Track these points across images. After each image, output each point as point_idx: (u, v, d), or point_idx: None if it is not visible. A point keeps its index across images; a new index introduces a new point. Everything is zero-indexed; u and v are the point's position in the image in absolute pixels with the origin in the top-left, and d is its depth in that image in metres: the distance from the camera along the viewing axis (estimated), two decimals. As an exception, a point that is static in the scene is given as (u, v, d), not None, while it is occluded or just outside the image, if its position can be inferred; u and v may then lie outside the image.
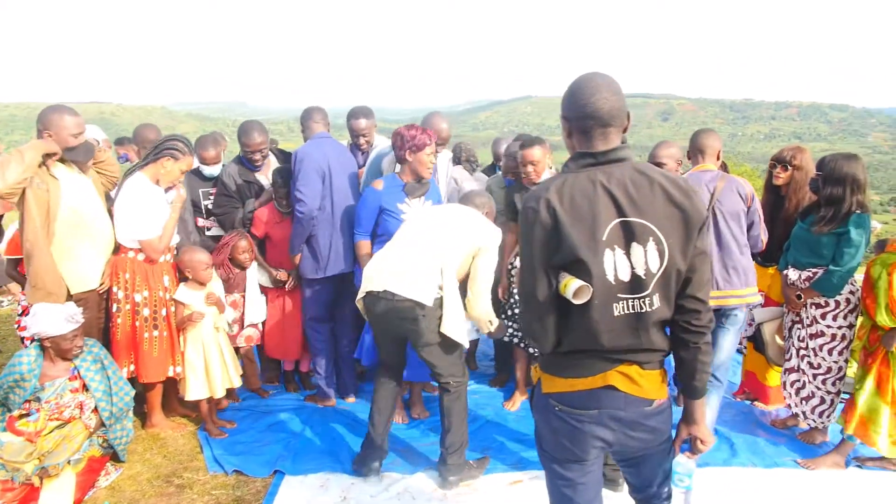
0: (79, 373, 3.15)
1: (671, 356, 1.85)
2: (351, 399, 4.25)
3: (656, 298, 1.69)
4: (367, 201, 3.57)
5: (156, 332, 3.57)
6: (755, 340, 3.99)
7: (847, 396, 3.53)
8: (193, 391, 3.66)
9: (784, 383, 3.72)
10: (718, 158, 3.51)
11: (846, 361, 3.50)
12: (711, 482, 3.23)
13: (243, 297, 4.10)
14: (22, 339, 4.06)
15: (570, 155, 1.78)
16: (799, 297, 3.51)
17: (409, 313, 2.97)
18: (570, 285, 1.64)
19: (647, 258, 1.66)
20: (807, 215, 3.51)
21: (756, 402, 4.25)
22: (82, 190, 3.39)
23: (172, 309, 3.62)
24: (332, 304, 4.11)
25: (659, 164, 3.70)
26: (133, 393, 3.38)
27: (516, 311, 3.94)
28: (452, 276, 3.05)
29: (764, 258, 3.94)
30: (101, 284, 3.48)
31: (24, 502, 2.91)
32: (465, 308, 3.15)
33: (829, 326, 3.46)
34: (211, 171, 4.17)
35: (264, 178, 4.18)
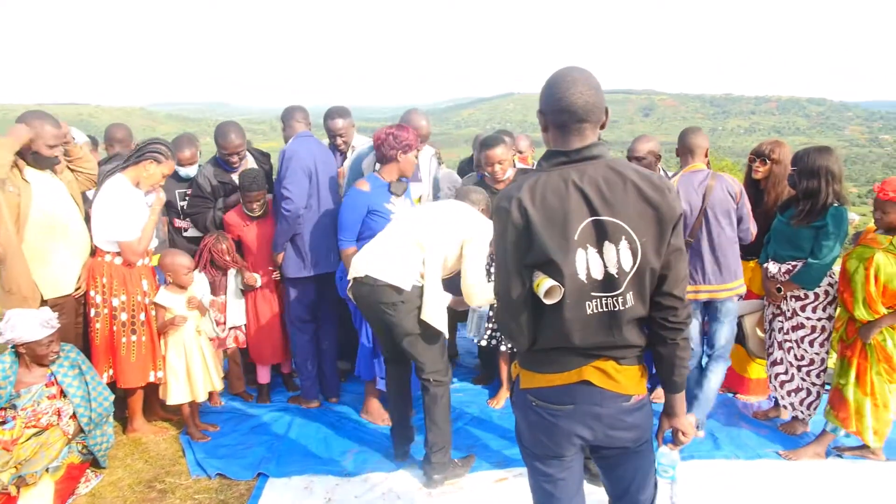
0: (56, 379, 3.10)
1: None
2: (334, 400, 4.23)
3: (630, 297, 1.69)
4: (354, 203, 3.49)
5: (134, 337, 3.52)
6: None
7: (828, 388, 3.58)
8: (175, 395, 3.60)
9: (770, 376, 3.76)
10: (706, 156, 3.55)
11: (827, 353, 3.55)
12: (696, 475, 3.25)
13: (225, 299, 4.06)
14: None
15: (544, 152, 1.77)
16: (779, 289, 3.54)
17: (388, 297, 3.02)
18: (542, 285, 1.64)
19: (620, 257, 1.66)
20: (786, 209, 3.55)
21: (738, 395, 4.29)
22: (55, 193, 3.33)
23: (153, 313, 3.57)
24: (316, 304, 4.09)
25: (638, 159, 3.71)
26: (112, 398, 3.33)
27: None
28: (435, 265, 3.07)
29: (745, 251, 3.97)
30: (77, 289, 3.42)
31: (1, 512, 2.86)
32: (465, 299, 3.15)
33: (808, 318, 3.51)
34: (187, 171, 4.12)
35: None
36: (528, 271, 1.71)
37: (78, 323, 3.53)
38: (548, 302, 1.65)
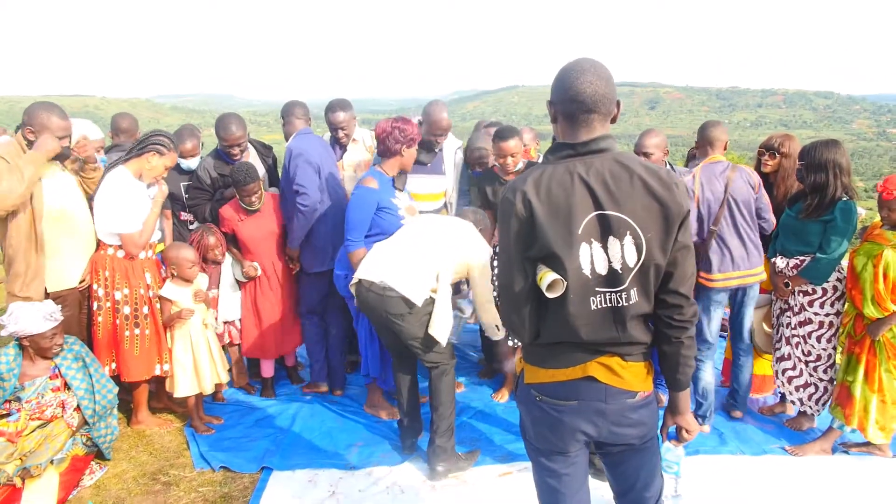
0: (60, 371, 3.10)
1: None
2: (339, 392, 4.22)
3: (634, 293, 1.67)
4: (363, 202, 3.41)
5: (137, 331, 3.51)
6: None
7: (834, 383, 3.56)
8: (182, 388, 3.61)
9: (776, 372, 3.74)
10: (725, 149, 3.62)
11: (834, 349, 3.52)
12: (701, 470, 3.24)
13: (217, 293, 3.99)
14: None
15: (551, 145, 1.75)
16: (787, 284, 3.52)
17: (397, 308, 3.03)
18: (545, 278, 1.63)
19: (624, 252, 1.64)
20: (794, 203, 3.51)
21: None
22: (65, 187, 3.34)
23: (157, 306, 3.56)
24: (326, 296, 4.12)
25: (645, 155, 3.69)
26: (116, 390, 3.33)
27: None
28: (448, 282, 3.15)
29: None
30: (81, 282, 3.42)
31: (6, 503, 2.86)
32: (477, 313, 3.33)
33: (816, 314, 3.48)
34: (189, 163, 4.10)
35: None
36: (532, 264, 1.70)
37: (82, 316, 3.52)
38: (550, 296, 1.64)
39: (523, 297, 1.72)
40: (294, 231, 3.88)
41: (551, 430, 1.80)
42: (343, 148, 4.18)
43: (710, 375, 3.68)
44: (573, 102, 1.64)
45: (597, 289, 1.66)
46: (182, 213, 4.20)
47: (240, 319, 4.10)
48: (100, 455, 3.31)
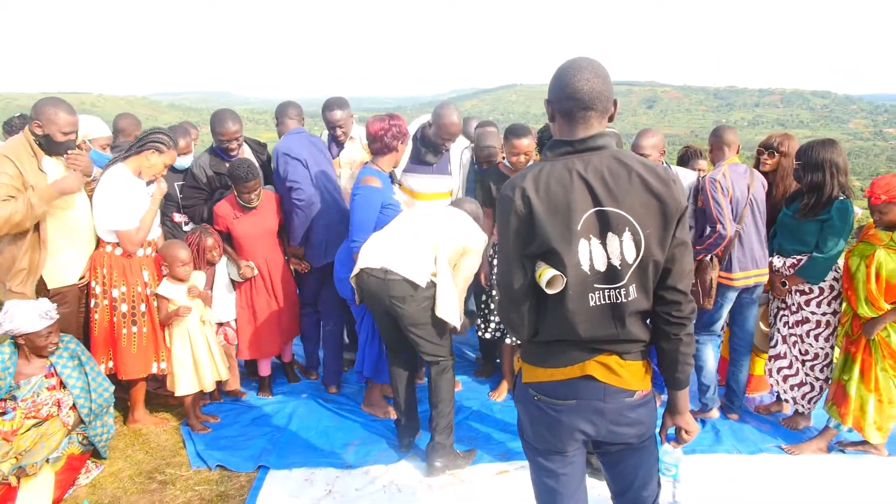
0: (55, 370, 3.09)
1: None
2: (333, 390, 4.22)
3: (633, 289, 1.67)
4: (370, 201, 3.39)
5: (134, 329, 3.49)
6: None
7: (830, 382, 3.56)
8: (183, 386, 3.59)
9: (770, 370, 3.74)
10: (737, 152, 3.70)
11: (832, 348, 3.53)
12: (697, 469, 3.24)
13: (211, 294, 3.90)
14: None
15: (549, 142, 1.76)
16: (784, 283, 3.52)
17: (400, 291, 3.06)
18: (545, 275, 1.63)
19: (623, 248, 1.64)
20: (791, 202, 3.52)
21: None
22: None
23: (155, 304, 3.55)
24: (320, 290, 4.18)
25: (642, 155, 3.70)
26: (112, 388, 3.32)
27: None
28: (447, 264, 3.15)
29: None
30: (81, 278, 3.42)
31: (1, 503, 2.85)
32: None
33: (813, 313, 3.48)
34: (182, 161, 4.04)
35: None
36: (531, 261, 1.70)
37: (80, 313, 3.51)
38: (550, 292, 1.64)
39: (522, 294, 1.72)
40: (295, 228, 3.90)
41: (549, 430, 1.80)
42: (340, 146, 4.18)
43: (712, 360, 3.76)
44: (570, 100, 1.65)
45: (596, 285, 1.66)
46: (175, 215, 4.07)
47: (235, 320, 4.04)
48: (96, 454, 3.30)
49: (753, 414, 3.94)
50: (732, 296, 3.66)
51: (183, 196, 4.04)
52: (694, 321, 1.78)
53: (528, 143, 3.67)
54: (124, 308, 3.47)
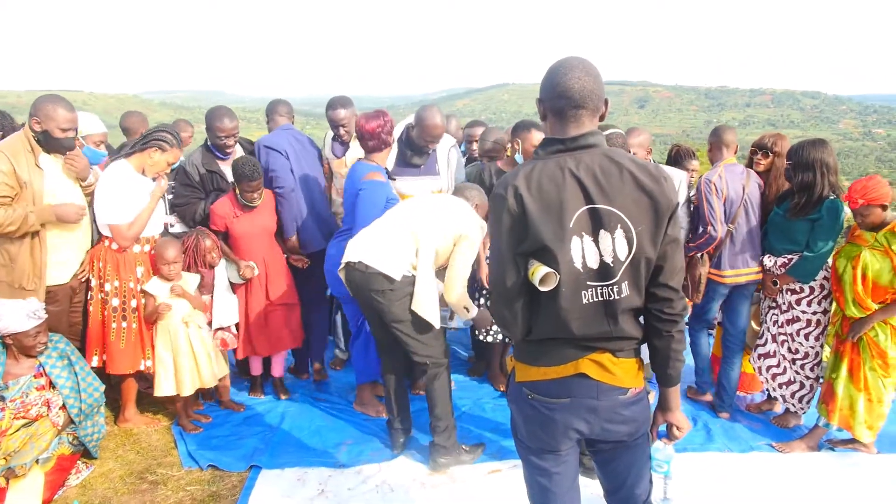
0: (44, 370, 3.06)
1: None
2: (318, 366, 4.37)
3: (625, 286, 1.68)
4: (378, 197, 3.38)
5: (124, 324, 3.48)
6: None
7: (821, 381, 3.58)
8: (161, 387, 3.55)
9: (759, 369, 3.76)
10: (735, 152, 3.78)
11: (822, 346, 3.55)
12: (688, 467, 3.25)
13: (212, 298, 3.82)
14: None
15: (541, 140, 1.76)
16: (775, 283, 3.54)
17: (378, 285, 3.04)
18: (538, 272, 1.64)
19: (615, 245, 1.65)
20: (782, 202, 3.55)
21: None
22: (66, 182, 3.32)
23: (143, 301, 3.53)
24: (306, 282, 4.20)
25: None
26: (103, 388, 3.29)
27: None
28: (428, 257, 3.08)
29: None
30: (81, 272, 3.44)
31: (-10, 503, 2.83)
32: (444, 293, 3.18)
33: (804, 312, 3.51)
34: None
35: (229, 168, 4.03)
36: (523, 259, 1.70)
37: (71, 311, 3.49)
38: (543, 289, 1.64)
39: (515, 292, 1.72)
40: (285, 221, 3.95)
41: (543, 429, 1.80)
42: (345, 145, 4.16)
43: (706, 346, 3.85)
44: (562, 98, 1.66)
45: (588, 283, 1.67)
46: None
47: (236, 325, 3.92)
48: (86, 454, 3.28)
49: (745, 412, 3.97)
50: (724, 291, 3.71)
51: (175, 195, 3.95)
52: (685, 318, 1.79)
53: (538, 137, 3.70)
54: (115, 302, 3.46)
